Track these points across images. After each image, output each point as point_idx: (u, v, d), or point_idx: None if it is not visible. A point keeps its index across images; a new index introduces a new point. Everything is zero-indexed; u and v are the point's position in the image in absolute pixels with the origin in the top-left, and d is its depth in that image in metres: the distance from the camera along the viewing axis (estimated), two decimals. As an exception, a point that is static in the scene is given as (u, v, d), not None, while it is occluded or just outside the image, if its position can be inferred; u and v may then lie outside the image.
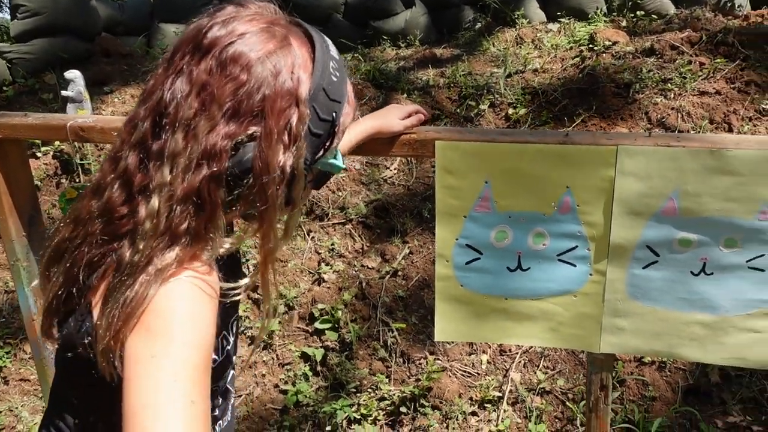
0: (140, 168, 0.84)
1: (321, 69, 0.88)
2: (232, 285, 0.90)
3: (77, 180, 3.72)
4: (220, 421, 1.08)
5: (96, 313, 0.84)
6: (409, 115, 1.43)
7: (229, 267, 0.96)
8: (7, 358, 3.15)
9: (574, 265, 1.41)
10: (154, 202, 0.82)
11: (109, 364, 0.79)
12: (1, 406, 2.97)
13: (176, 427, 0.73)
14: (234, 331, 1.04)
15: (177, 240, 0.82)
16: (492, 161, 1.36)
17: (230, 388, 1.11)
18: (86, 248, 0.86)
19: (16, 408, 2.95)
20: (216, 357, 0.97)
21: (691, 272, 1.36)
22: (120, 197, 0.85)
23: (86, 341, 0.84)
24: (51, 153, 3.90)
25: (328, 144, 0.92)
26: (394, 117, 1.42)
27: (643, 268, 1.38)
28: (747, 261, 1.32)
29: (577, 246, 1.40)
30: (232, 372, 1.10)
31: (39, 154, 3.87)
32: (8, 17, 6.21)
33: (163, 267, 0.81)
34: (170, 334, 0.78)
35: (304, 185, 0.90)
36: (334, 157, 0.98)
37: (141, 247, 0.82)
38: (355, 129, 1.39)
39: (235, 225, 1.05)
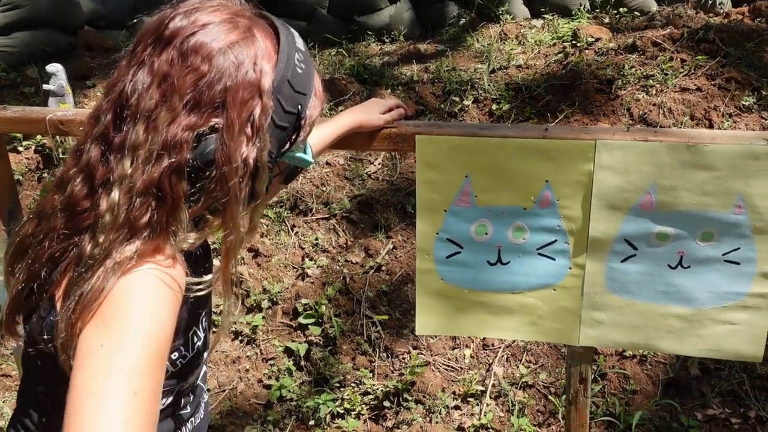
0: (102, 161, 0.83)
1: (285, 60, 0.87)
2: (196, 280, 0.88)
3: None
4: (192, 418, 1.07)
5: (59, 307, 0.83)
6: (390, 110, 1.43)
7: (199, 261, 0.96)
8: (-13, 354, 3.12)
9: (554, 259, 1.42)
10: (115, 194, 0.81)
11: (69, 358, 0.78)
12: (-18, 402, 2.94)
13: (116, 418, 0.72)
14: (204, 327, 1.02)
15: (137, 233, 0.81)
16: (472, 156, 1.37)
17: (202, 384, 1.10)
18: (48, 243, 0.85)
19: (-3, 404, 2.92)
20: (186, 353, 0.96)
21: (669, 265, 1.37)
22: (82, 191, 0.84)
23: (46, 336, 0.83)
24: (33, 147, 3.86)
25: (294, 137, 0.91)
26: (375, 112, 1.41)
27: (622, 261, 1.39)
28: (723, 254, 1.34)
29: (556, 240, 1.41)
30: (203, 369, 1.09)
31: (20, 149, 3.83)
32: (-12, 10, 6.12)
33: (122, 260, 0.80)
34: (124, 325, 0.77)
35: (268, 179, 0.89)
36: (303, 151, 0.97)
37: (101, 240, 0.80)
38: (335, 123, 1.38)
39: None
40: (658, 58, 3.77)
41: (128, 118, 0.82)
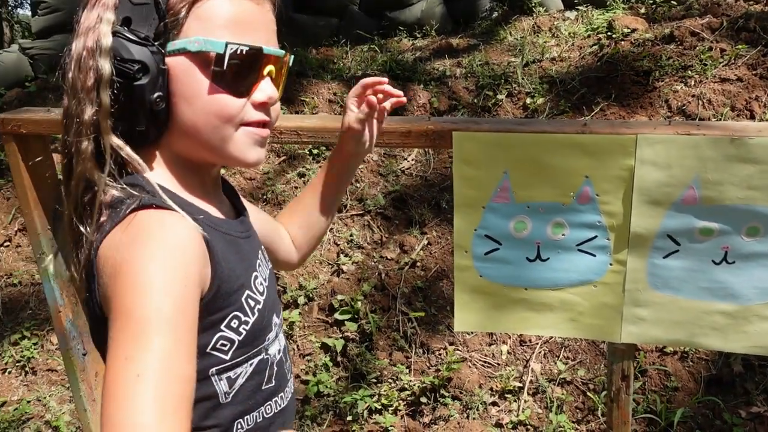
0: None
1: None
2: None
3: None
4: (277, 398, 1.02)
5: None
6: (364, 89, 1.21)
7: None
8: (34, 348, 3.22)
9: (594, 255, 1.41)
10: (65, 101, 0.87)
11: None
12: (30, 395, 3.03)
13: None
14: (260, 289, 0.96)
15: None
16: (510, 151, 1.36)
17: (284, 357, 1.06)
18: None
19: (44, 398, 3.01)
20: (246, 318, 0.91)
21: (713, 261, 1.35)
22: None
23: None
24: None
25: (162, 14, 0.84)
26: (348, 114, 1.22)
27: (664, 257, 1.37)
28: (769, 249, 1.31)
29: (596, 236, 1.39)
30: (281, 340, 1.05)
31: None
32: (29, 14, 6.27)
33: (111, 201, 0.83)
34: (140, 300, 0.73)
35: (124, 56, 0.82)
36: (209, 35, 0.85)
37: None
38: (327, 167, 1.27)
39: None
40: (697, 48, 3.69)
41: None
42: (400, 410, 2.76)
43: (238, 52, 0.85)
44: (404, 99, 1.22)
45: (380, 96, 1.19)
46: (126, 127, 0.85)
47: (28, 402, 2.99)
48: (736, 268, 1.34)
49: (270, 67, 0.91)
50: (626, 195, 1.34)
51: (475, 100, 3.96)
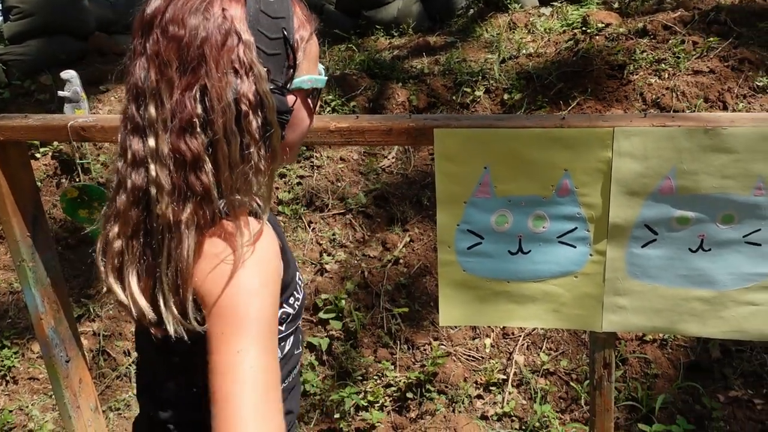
0: (138, 148, 0.91)
1: None
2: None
3: (77, 179, 3.73)
4: (299, 356, 1.20)
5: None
6: None
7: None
8: (15, 357, 3.18)
9: (575, 247, 1.43)
10: (151, 169, 0.89)
11: (175, 319, 0.91)
12: (12, 405, 3.00)
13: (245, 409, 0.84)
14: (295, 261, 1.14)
15: (186, 196, 0.90)
16: (490, 147, 1.38)
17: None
18: (144, 239, 0.94)
19: (27, 407, 2.98)
20: (299, 295, 1.10)
21: (690, 249, 1.38)
22: (140, 179, 0.92)
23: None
24: (50, 153, 3.91)
25: (293, 60, 0.96)
26: None
27: (642, 246, 1.40)
28: (744, 236, 1.35)
29: (576, 227, 1.42)
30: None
31: (38, 155, 3.88)
32: (1, 19, 6.19)
33: (186, 221, 0.89)
34: (241, 319, 0.88)
35: (278, 107, 0.94)
36: (314, 72, 1.01)
37: (158, 211, 0.89)
38: None
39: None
40: (670, 41, 3.75)
41: (142, 102, 0.91)
42: (386, 406, 2.78)
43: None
44: None
45: None
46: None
47: (10, 411, 2.96)
48: (712, 255, 1.37)
49: None
50: (604, 187, 1.36)
51: (454, 97, 3.99)
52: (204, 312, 0.90)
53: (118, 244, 0.95)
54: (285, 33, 0.94)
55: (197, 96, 0.88)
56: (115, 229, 0.95)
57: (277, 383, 0.88)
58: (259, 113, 0.91)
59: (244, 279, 0.89)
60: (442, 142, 1.40)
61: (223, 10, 0.90)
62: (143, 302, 0.94)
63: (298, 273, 1.12)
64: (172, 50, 0.88)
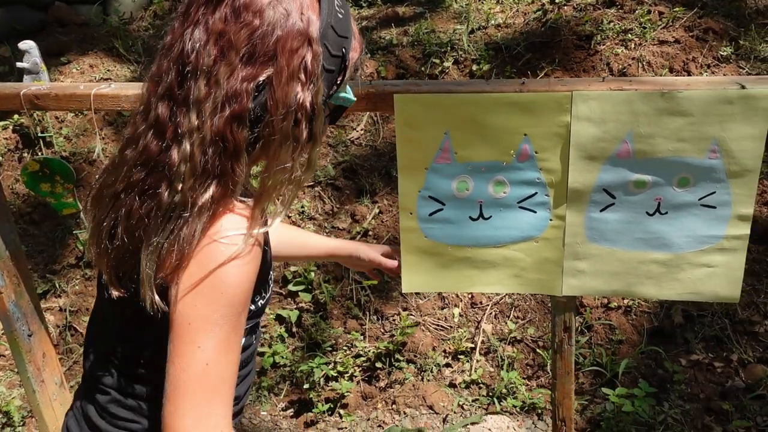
0: (170, 116, 0.90)
1: (327, 8, 0.93)
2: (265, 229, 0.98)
3: (39, 153, 3.65)
4: (256, 348, 1.22)
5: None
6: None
7: None
8: (-22, 335, 3.13)
9: (535, 212, 1.44)
10: (186, 146, 0.88)
11: (151, 292, 0.90)
12: (-24, 383, 2.96)
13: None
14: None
15: (210, 179, 0.89)
16: (450, 112, 1.38)
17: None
18: (138, 198, 0.92)
19: (-8, 384, 2.94)
20: (266, 294, 1.10)
21: (647, 212, 1.40)
22: (156, 145, 0.91)
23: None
24: (10, 127, 3.81)
25: (340, 79, 0.98)
26: (377, 251, 1.58)
27: (601, 211, 1.41)
28: (699, 199, 1.37)
29: (536, 192, 1.43)
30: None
31: (-3, 129, 3.79)
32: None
33: (203, 204, 0.89)
34: (217, 301, 0.89)
35: (324, 120, 0.97)
36: (345, 91, 1.04)
37: (178, 188, 0.88)
38: (333, 242, 1.63)
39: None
40: (636, 11, 3.76)
41: (189, 74, 0.89)
42: (356, 376, 2.80)
43: None
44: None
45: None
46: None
47: (-24, 388, 2.92)
48: (669, 218, 1.40)
49: None
50: (563, 151, 1.37)
51: (423, 68, 3.96)
52: (174, 291, 0.89)
53: (111, 194, 0.95)
54: (344, 52, 0.95)
55: (256, 89, 0.88)
56: (113, 178, 0.95)
57: (230, 382, 0.91)
58: (309, 124, 0.93)
59: (226, 278, 0.89)
60: (402, 108, 1.39)
61: (302, 12, 0.90)
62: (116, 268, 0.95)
63: (271, 273, 1.13)
64: (243, 36, 0.87)
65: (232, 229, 0.91)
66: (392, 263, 1.56)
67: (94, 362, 1.09)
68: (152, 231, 0.89)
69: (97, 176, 1.04)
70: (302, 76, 0.90)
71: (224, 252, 0.89)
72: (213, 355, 0.88)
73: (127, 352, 1.03)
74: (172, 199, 0.89)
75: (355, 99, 1.07)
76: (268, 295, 1.11)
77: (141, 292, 0.90)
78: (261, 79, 0.88)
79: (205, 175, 0.89)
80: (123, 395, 1.04)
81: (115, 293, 0.96)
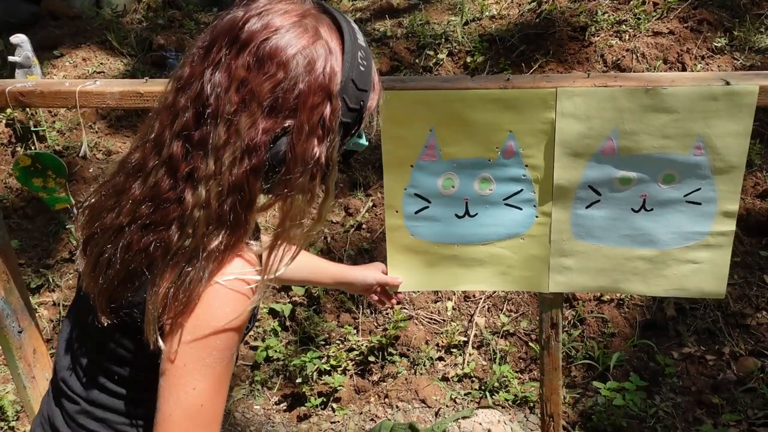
0: (184, 157, 0.90)
1: (350, 61, 0.92)
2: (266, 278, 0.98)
3: (32, 147, 3.64)
4: None
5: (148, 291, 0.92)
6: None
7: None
8: (-28, 330, 3.13)
9: (520, 209, 1.44)
10: (202, 192, 0.88)
11: (154, 332, 0.89)
12: (-30, 378, 2.97)
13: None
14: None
15: (222, 227, 0.89)
16: (435, 109, 1.37)
17: None
18: (140, 231, 0.91)
19: (-14, 379, 2.95)
20: (251, 326, 1.08)
21: (632, 209, 1.40)
22: (167, 183, 0.90)
23: (135, 313, 0.93)
24: (3, 121, 3.80)
25: (355, 130, 0.98)
26: (376, 269, 1.57)
27: (587, 207, 1.41)
28: (684, 195, 1.36)
29: (522, 189, 1.42)
30: None
31: (-10, 124, 3.77)
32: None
33: (212, 250, 0.89)
34: (212, 340, 0.90)
35: (336, 173, 0.97)
36: (359, 137, 1.03)
37: (189, 232, 0.88)
38: (332, 269, 1.57)
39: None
40: (631, 2, 3.74)
41: (209, 118, 0.88)
42: (349, 370, 2.80)
43: None
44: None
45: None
46: None
47: (-30, 384, 2.93)
48: (654, 214, 1.39)
49: None
50: (548, 148, 1.37)
51: (417, 60, 3.95)
52: (170, 329, 0.90)
53: (110, 224, 0.94)
54: (362, 105, 0.95)
55: (273, 141, 0.88)
56: (112, 202, 0.95)
57: (220, 417, 0.94)
58: (323, 178, 0.93)
59: (225, 323, 0.90)
60: (387, 104, 1.38)
61: (325, 67, 0.89)
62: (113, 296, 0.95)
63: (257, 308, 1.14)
64: (266, 89, 0.86)
65: (235, 273, 0.91)
66: (397, 280, 1.56)
67: (66, 369, 1.08)
68: (157, 272, 0.90)
69: (92, 189, 1.03)
70: (319, 132, 0.89)
71: (226, 296, 0.90)
72: (207, 395, 0.90)
73: (103, 365, 1.01)
74: (182, 243, 0.89)
75: (366, 143, 1.06)
76: (252, 324, 1.11)
77: (145, 333, 0.90)
78: (280, 131, 0.88)
79: (219, 222, 0.89)
80: (93, 406, 1.03)
81: (104, 320, 0.96)
